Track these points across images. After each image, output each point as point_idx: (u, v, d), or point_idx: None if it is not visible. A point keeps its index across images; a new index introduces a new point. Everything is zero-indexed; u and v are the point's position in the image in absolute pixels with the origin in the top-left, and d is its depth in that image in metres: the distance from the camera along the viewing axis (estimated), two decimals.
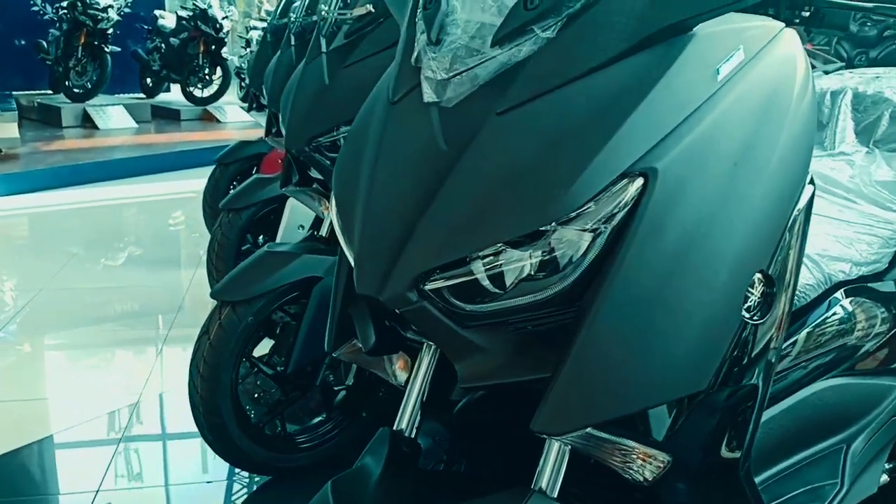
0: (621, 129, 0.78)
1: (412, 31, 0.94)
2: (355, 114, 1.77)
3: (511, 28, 0.83)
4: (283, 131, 1.89)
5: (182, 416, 2.32)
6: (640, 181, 0.78)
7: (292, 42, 2.74)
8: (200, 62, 8.24)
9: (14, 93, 8.30)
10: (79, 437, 2.18)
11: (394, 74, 0.95)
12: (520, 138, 0.81)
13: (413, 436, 1.02)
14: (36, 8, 8.70)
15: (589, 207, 0.78)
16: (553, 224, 0.78)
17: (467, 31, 0.87)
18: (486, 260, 0.81)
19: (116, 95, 8.79)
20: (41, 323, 3.03)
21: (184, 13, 8.30)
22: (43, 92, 8.46)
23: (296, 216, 2.67)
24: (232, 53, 8.83)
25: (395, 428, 1.01)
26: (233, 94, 9.03)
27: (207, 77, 8.36)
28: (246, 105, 9.10)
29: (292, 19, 2.76)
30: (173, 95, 9.30)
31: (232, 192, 3.64)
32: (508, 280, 0.80)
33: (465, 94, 0.86)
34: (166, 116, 8.23)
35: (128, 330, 3.04)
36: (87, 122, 7.51)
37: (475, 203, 0.80)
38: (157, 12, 8.71)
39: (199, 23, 8.05)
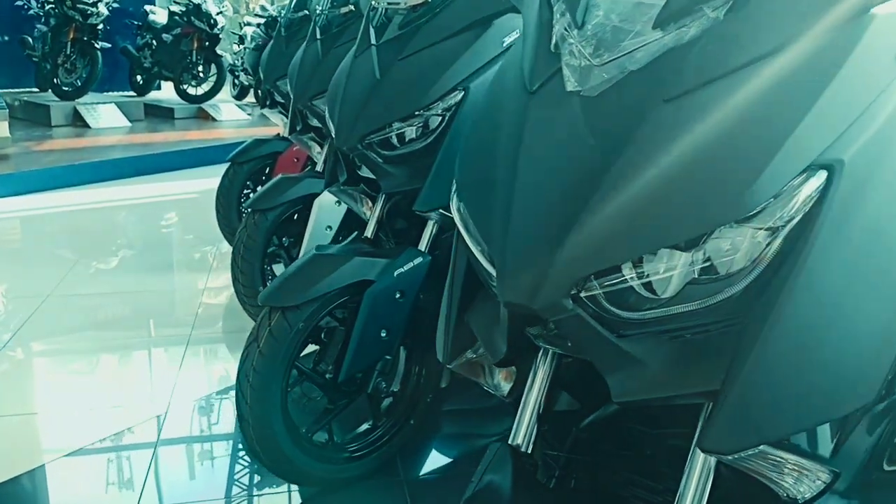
0: (805, 119, 0.72)
1: (546, 13, 0.87)
2: (410, 109, 1.71)
3: (677, 7, 0.75)
4: (332, 129, 1.80)
5: (214, 427, 2.23)
6: (822, 175, 0.72)
7: (318, 35, 2.64)
8: (194, 59, 8.08)
9: None
10: (108, 450, 2.08)
11: (529, 61, 0.88)
12: (691, 129, 0.73)
13: (530, 450, 0.95)
14: (20, 3, 8.49)
15: (768, 203, 0.72)
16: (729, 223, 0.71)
17: (615, 13, 0.79)
18: (648, 263, 0.74)
19: (105, 93, 8.61)
20: (51, 331, 2.91)
21: (176, 8, 8.13)
22: (28, 90, 8.26)
23: (323, 217, 2.58)
24: (223, 50, 8.67)
25: (510, 442, 0.95)
26: (225, 92, 8.89)
27: (201, 74, 8.20)
28: (239, 103, 8.98)
29: (318, 12, 2.66)
30: (164, 93, 9.13)
31: (256, 192, 3.55)
32: (673, 285, 0.74)
33: (612, 81, 0.79)
34: (160, 115, 8.07)
35: (146, 338, 2.93)
36: (77, 121, 7.33)
37: (640, 201, 0.73)
38: (147, 8, 8.53)
39: (192, 18, 7.89)
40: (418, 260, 1.74)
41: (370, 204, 2.00)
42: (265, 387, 1.67)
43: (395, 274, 1.72)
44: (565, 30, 0.82)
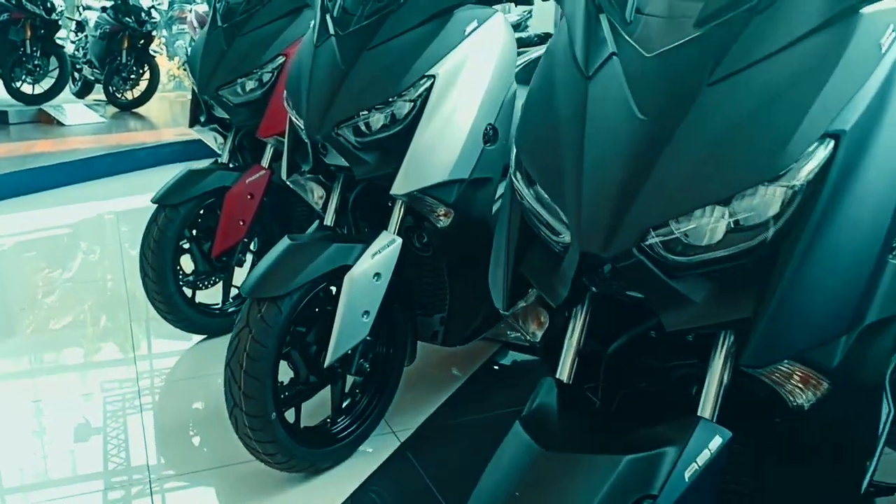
0: (817, 100, 0.90)
1: (592, 7, 1.06)
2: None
3: (715, 7, 0.96)
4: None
5: None
6: (831, 144, 0.91)
7: (331, 30, 1.80)
8: (28, 51, 6.56)
9: None
10: None
11: (581, 50, 1.06)
12: (731, 108, 0.93)
13: (570, 383, 1.10)
14: None
15: (791, 167, 0.91)
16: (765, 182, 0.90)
17: (659, 9, 1.02)
18: (694, 217, 0.93)
19: None
20: None
21: None
22: None
23: (357, 299, 1.74)
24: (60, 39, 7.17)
25: (557, 377, 1.10)
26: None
27: (39, 69, 6.70)
28: (87, 102, 7.55)
29: None
30: None
31: (199, 247, 2.57)
32: (716, 234, 0.93)
33: (659, 68, 0.98)
34: None
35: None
36: None
37: (696, 167, 0.93)
38: None
39: (22, 1, 6.38)
40: None
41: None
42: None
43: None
44: (616, 23, 1.02)
